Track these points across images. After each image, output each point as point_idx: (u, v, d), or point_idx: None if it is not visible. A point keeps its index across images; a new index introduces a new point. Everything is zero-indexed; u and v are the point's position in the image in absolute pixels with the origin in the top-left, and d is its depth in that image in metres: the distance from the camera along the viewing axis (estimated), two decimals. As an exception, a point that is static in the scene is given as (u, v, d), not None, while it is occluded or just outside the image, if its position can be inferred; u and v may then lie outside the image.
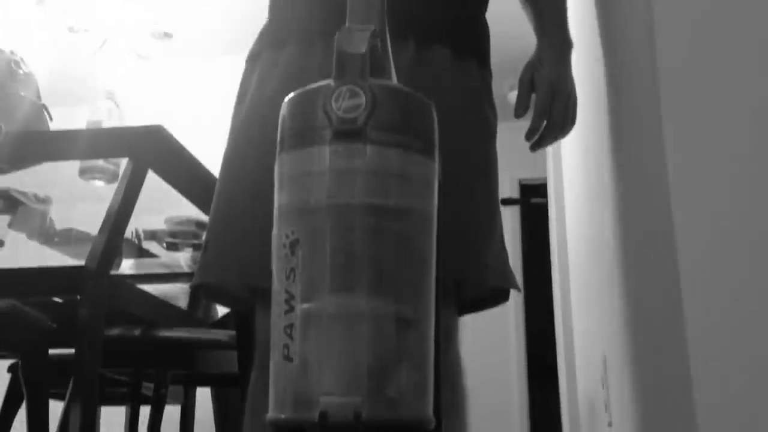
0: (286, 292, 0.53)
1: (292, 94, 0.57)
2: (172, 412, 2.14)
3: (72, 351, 1.42)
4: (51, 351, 1.55)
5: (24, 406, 1.57)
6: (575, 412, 2.82)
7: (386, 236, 0.52)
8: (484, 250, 1.04)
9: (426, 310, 0.54)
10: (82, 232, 2.00)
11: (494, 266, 1.06)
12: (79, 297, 1.41)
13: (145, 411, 1.97)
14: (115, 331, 1.74)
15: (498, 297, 1.11)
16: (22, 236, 1.96)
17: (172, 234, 2.03)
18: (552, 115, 1.17)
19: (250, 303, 1.10)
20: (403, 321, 0.52)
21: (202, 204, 1.74)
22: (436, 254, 0.57)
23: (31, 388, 1.50)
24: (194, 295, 2.18)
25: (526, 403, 4.85)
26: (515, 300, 4.80)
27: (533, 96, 1.20)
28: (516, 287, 1.08)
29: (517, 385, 4.85)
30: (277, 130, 0.57)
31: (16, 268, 1.47)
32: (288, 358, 0.52)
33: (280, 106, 0.57)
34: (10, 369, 1.87)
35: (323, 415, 0.49)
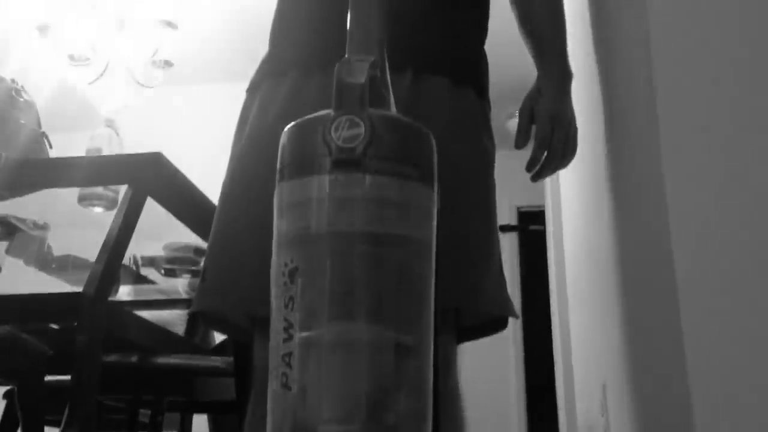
0: (285, 320, 0.53)
1: (291, 124, 0.58)
2: (168, 440, 2.12)
3: (69, 377, 1.41)
4: (48, 378, 1.55)
5: (19, 433, 1.56)
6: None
7: (385, 264, 0.53)
8: (483, 277, 1.05)
9: (425, 338, 0.55)
10: (80, 259, 2.00)
11: (492, 294, 1.06)
12: (76, 323, 1.40)
13: (141, 439, 1.95)
14: (112, 358, 1.73)
15: (496, 324, 1.11)
16: (20, 262, 1.96)
17: (170, 261, 2.03)
18: (552, 147, 1.18)
19: (249, 330, 1.10)
20: (402, 349, 0.52)
21: (201, 231, 1.74)
22: (435, 282, 0.57)
23: (27, 414, 1.49)
24: (192, 321, 2.17)
25: (525, 430, 4.81)
26: (514, 327, 4.78)
27: (533, 127, 1.21)
28: (514, 315, 1.08)
29: (516, 412, 4.82)
30: (276, 159, 0.58)
31: (14, 294, 1.46)
32: (286, 387, 0.52)
33: (279, 135, 0.58)
34: (6, 395, 1.86)
35: (322, 443, 0.49)
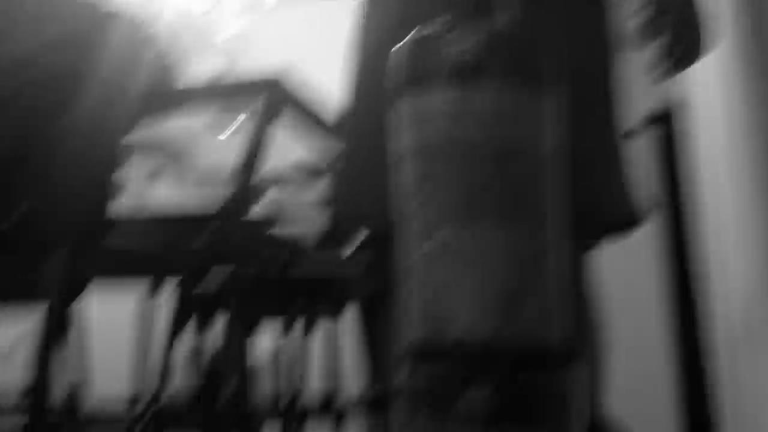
0: (417, 223, 0.55)
1: (408, 36, 0.58)
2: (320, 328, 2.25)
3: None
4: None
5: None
6: (722, 337, 2.74)
7: (511, 170, 0.53)
8: (613, 178, 1.03)
9: (555, 241, 0.55)
10: (216, 178, 2.12)
11: (623, 194, 1.05)
12: (219, 239, 1.53)
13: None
14: (253, 270, 1.84)
15: (630, 225, 1.09)
16: (167, 182, 2.10)
17: (298, 179, 2.11)
18: (678, 45, 1.12)
19: (385, 233, 1.14)
20: (532, 251, 0.53)
21: (326, 148, 1.80)
22: (564, 185, 0.57)
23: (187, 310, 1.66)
24: (327, 231, 2.26)
25: (668, 330, 4.72)
26: (652, 225, 4.64)
27: (658, 24, 1.14)
28: (647, 215, 1.07)
29: (656, 311, 4.73)
30: (393, 72, 0.59)
31: (162, 213, 1.60)
32: (422, 286, 0.55)
33: (395, 48, 0.59)
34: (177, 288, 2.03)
35: (457, 339, 0.52)
